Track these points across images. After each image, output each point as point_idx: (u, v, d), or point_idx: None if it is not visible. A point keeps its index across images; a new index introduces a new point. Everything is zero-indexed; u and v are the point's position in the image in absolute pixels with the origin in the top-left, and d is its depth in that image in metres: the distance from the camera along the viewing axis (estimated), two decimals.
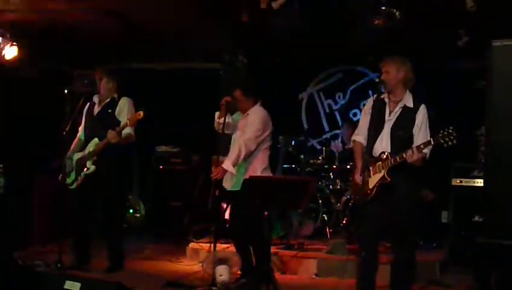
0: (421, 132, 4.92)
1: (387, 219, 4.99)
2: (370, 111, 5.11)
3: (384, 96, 5.08)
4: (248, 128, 5.70)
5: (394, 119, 5.00)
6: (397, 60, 5.06)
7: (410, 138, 4.95)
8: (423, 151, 4.69)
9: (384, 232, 5.25)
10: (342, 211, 7.57)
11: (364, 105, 5.49)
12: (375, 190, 4.90)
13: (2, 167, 7.01)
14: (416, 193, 5.28)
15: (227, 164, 5.53)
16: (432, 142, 4.66)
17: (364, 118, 5.23)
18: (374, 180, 4.90)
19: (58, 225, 7.21)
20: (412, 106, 5.02)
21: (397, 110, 5.02)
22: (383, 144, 4.97)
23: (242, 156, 5.59)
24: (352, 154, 5.31)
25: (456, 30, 6.90)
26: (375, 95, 5.21)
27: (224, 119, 5.68)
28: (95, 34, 7.71)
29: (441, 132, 4.61)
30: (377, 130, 4.96)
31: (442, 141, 4.58)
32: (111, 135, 5.99)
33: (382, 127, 4.98)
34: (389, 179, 4.84)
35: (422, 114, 4.98)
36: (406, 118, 5.00)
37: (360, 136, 5.20)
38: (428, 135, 4.83)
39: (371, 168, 4.94)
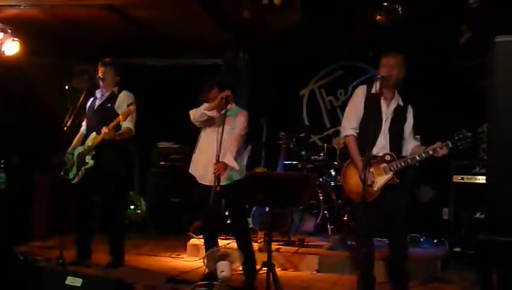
0: (409, 129, 5.09)
1: (386, 217, 5.03)
2: (363, 104, 5.10)
3: (376, 91, 5.03)
4: (237, 126, 5.68)
5: (390, 118, 5.04)
6: (401, 57, 5.08)
7: (402, 135, 5.02)
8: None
9: (381, 229, 5.29)
10: (343, 208, 7.57)
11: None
12: (380, 191, 4.92)
13: (3, 163, 7.00)
14: (412, 189, 5.35)
15: (230, 159, 5.49)
16: (450, 145, 4.77)
17: (355, 110, 5.14)
18: (380, 181, 4.92)
19: (59, 220, 7.20)
20: (402, 104, 5.08)
21: (392, 108, 5.05)
22: (382, 143, 4.99)
23: (239, 145, 5.65)
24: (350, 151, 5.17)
25: (458, 26, 6.89)
26: (365, 87, 5.19)
27: (225, 113, 5.61)
28: (96, 29, 7.70)
29: (456, 135, 4.78)
30: (375, 127, 4.96)
31: (459, 143, 4.74)
32: (104, 131, 6.01)
33: (381, 126, 5.00)
34: (398, 181, 4.89)
35: (411, 112, 5.11)
36: (400, 116, 5.07)
37: (353, 130, 5.11)
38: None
39: (373, 169, 4.93)
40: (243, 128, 5.72)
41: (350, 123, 5.14)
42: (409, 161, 4.91)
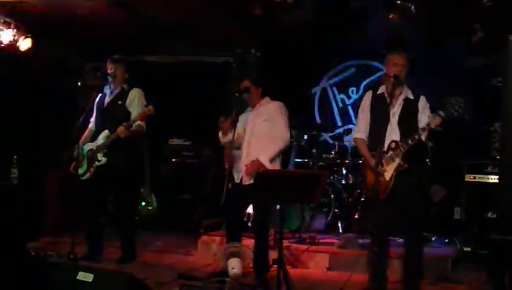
0: (424, 117, 4.98)
1: (399, 213, 5.00)
2: (369, 108, 5.15)
3: (383, 91, 5.09)
4: (277, 122, 5.64)
5: (399, 112, 5.05)
6: (404, 54, 5.10)
7: (416, 128, 4.98)
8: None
9: (395, 227, 5.26)
10: (353, 206, 7.55)
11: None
12: (392, 180, 4.91)
13: (15, 159, 7.04)
14: (424, 186, 5.30)
15: (265, 159, 5.45)
16: (442, 114, 4.72)
17: (363, 114, 5.27)
18: (390, 170, 4.92)
19: (71, 216, 7.24)
20: (412, 97, 5.07)
21: (400, 103, 5.06)
22: (393, 138, 4.98)
23: (281, 151, 5.59)
24: (359, 151, 5.34)
25: (471, 25, 6.85)
26: (371, 92, 5.24)
27: (233, 136, 5.55)
28: (107, 26, 7.71)
29: (446, 101, 4.72)
30: (382, 125, 4.96)
31: (452, 110, 4.65)
32: (120, 130, 6.01)
33: (388, 122, 4.99)
34: (405, 165, 4.87)
35: (423, 102, 5.08)
36: (409, 110, 5.06)
37: (361, 133, 5.24)
38: None
39: (384, 161, 4.95)
40: (287, 125, 5.65)
41: (358, 127, 5.32)
42: (409, 141, 4.87)
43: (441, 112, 4.76)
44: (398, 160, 4.91)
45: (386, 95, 5.07)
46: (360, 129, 5.26)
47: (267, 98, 5.80)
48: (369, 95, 5.29)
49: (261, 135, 5.65)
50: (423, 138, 4.85)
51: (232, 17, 7.55)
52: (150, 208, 8.54)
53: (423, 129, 4.82)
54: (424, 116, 4.96)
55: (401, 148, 4.90)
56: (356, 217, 7.48)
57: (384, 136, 4.92)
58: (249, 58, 8.96)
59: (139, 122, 6.12)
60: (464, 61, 8.16)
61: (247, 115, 5.79)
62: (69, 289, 4.37)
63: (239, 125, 5.71)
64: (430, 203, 7.44)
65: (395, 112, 5.05)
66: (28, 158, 7.43)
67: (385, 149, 4.95)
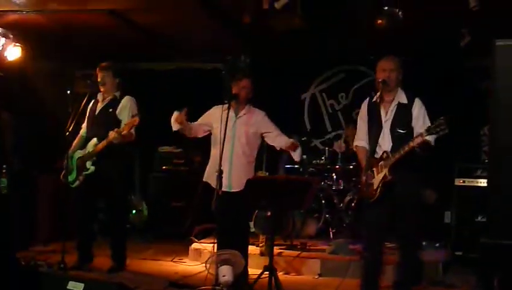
0: (418, 123, 4.97)
1: (392, 219, 5.00)
2: (366, 115, 5.17)
3: (376, 97, 5.08)
4: (272, 130, 5.75)
5: (391, 118, 5.04)
6: (397, 59, 5.11)
7: (410, 133, 4.98)
8: (425, 138, 4.69)
9: (388, 233, 5.26)
10: (344, 211, 7.56)
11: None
12: (379, 189, 4.90)
13: (5, 168, 7.01)
14: (420, 191, 5.28)
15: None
16: (425, 134, 4.68)
17: (361, 122, 5.29)
18: (377, 180, 4.92)
19: (61, 225, 7.22)
20: (406, 101, 5.06)
21: (392, 108, 5.05)
22: (385, 144, 4.99)
23: None
24: (356, 156, 5.39)
25: (458, 30, 6.89)
26: (368, 99, 5.26)
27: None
28: (98, 34, 7.72)
29: (433, 123, 4.67)
30: (376, 131, 5.00)
31: (434, 132, 4.61)
32: (112, 135, 5.98)
33: (381, 128, 5.00)
34: (390, 177, 4.86)
35: (418, 107, 5.05)
36: (403, 114, 5.04)
37: (361, 141, 5.26)
38: (428, 123, 4.86)
39: (374, 169, 4.96)
40: (273, 127, 5.79)
41: (358, 135, 5.33)
42: (396, 155, 4.87)
43: (423, 132, 4.69)
44: (385, 171, 4.91)
45: (379, 102, 5.07)
46: (360, 137, 5.28)
47: (249, 106, 5.79)
48: (365, 102, 5.27)
49: (250, 148, 5.69)
50: (401, 152, 4.82)
51: (221, 24, 7.56)
52: (140, 215, 8.52)
53: (403, 149, 4.79)
54: (419, 124, 4.93)
55: (390, 159, 4.90)
56: (347, 222, 7.50)
57: (377, 143, 4.96)
58: (239, 64, 8.97)
59: (126, 131, 6.10)
60: (454, 64, 8.21)
61: (219, 112, 5.62)
62: None
63: (207, 117, 5.91)
64: (425, 211, 7.47)
65: (388, 118, 5.05)
66: (17, 167, 7.41)
67: (378, 157, 4.97)
